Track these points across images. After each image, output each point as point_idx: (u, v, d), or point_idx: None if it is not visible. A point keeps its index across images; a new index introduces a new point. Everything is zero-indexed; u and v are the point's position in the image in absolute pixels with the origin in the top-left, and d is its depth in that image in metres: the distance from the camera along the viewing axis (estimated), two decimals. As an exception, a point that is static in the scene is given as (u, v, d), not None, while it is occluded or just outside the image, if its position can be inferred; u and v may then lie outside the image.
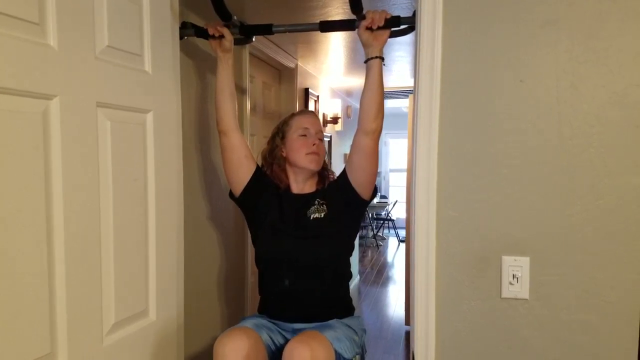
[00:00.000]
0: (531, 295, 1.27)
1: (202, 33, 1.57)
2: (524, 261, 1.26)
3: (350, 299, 1.73)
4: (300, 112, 1.77)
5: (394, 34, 1.50)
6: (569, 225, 1.23)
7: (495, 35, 1.25)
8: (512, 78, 1.25)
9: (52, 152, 1.04)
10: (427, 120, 1.29)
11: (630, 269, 1.21)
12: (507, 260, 1.27)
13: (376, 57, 1.49)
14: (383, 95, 1.53)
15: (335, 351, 1.41)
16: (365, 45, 1.50)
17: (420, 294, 1.32)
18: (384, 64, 1.53)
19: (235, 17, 1.57)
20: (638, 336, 1.22)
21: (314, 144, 1.66)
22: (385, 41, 1.49)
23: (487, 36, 1.26)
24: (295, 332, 1.55)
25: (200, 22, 1.65)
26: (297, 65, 2.99)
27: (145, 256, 1.34)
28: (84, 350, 1.12)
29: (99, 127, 1.16)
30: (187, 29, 1.56)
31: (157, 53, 1.37)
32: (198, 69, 1.74)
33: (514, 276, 1.27)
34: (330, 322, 1.58)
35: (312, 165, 1.66)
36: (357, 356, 1.55)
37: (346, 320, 1.62)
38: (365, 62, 1.51)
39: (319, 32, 1.58)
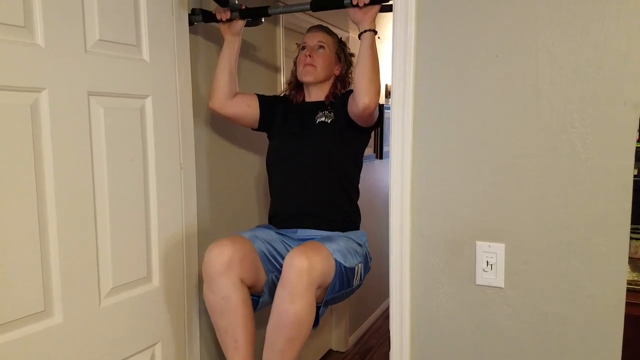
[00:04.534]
0: (507, 284, 1.20)
1: (210, 18, 1.65)
2: (499, 247, 1.20)
3: (357, 217, 1.81)
4: (307, 30, 1.86)
5: (385, 9, 1.45)
6: (546, 211, 1.15)
7: (468, 7, 1.17)
8: (488, 52, 1.17)
9: (42, 136, 1.19)
10: (400, 101, 1.25)
11: (612, 260, 1.10)
12: (481, 246, 1.22)
13: (367, 31, 1.47)
14: (376, 69, 1.51)
15: (337, 261, 1.49)
16: (354, 22, 1.48)
17: (394, 276, 1.31)
18: (377, 37, 1.50)
19: (237, 2, 1.63)
20: (622, 335, 1.11)
21: (307, 56, 1.73)
22: (375, 15, 1.47)
23: (461, 9, 1.18)
24: (300, 242, 1.65)
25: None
26: (348, 37, 2.97)
27: (147, 228, 1.48)
28: (80, 310, 1.29)
29: (91, 114, 1.30)
30: (196, 15, 1.65)
31: (156, 42, 1.48)
32: (212, 53, 1.82)
33: (487, 263, 1.21)
34: (332, 235, 1.65)
35: (305, 77, 1.75)
36: (359, 264, 1.62)
37: (348, 233, 1.69)
38: (359, 37, 1.50)
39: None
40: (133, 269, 1.45)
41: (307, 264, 1.37)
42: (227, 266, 1.44)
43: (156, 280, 1.52)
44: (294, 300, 1.38)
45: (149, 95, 1.46)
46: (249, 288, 1.53)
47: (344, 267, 1.51)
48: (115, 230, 1.37)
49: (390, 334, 1.34)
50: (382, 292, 3.39)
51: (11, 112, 1.13)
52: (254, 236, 1.60)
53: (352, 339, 3.03)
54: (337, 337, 2.94)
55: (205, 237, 1.76)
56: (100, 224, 1.34)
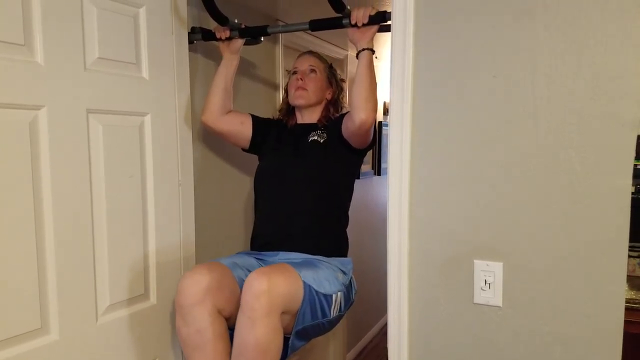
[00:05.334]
0: (505, 303, 1.20)
1: (210, 37, 1.67)
2: (497, 266, 1.20)
3: (344, 244, 1.74)
4: (298, 56, 1.85)
5: (383, 29, 1.47)
6: (544, 230, 1.15)
7: (467, 29, 1.19)
8: (485, 73, 1.18)
9: (40, 153, 1.19)
10: (398, 121, 1.26)
11: (610, 280, 1.10)
12: (479, 265, 1.22)
13: (365, 49, 1.48)
14: (373, 87, 1.52)
15: (306, 284, 1.39)
16: (352, 41, 1.50)
17: (392, 293, 1.31)
18: (375, 57, 1.51)
19: (236, 20, 1.64)
20: (621, 354, 1.10)
21: (299, 79, 1.74)
22: (373, 35, 1.48)
23: (459, 30, 1.20)
24: None
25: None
26: (347, 56, 2.99)
27: (145, 246, 1.48)
28: (76, 328, 1.28)
29: (90, 131, 1.30)
30: (195, 34, 1.66)
31: (156, 60, 1.49)
32: (211, 71, 1.83)
33: (485, 281, 1.21)
34: (314, 259, 1.58)
35: (297, 100, 1.76)
36: (339, 293, 1.51)
37: (331, 259, 1.61)
38: (357, 55, 1.51)
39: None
40: (130, 286, 1.44)
41: (266, 286, 1.27)
42: (202, 296, 1.35)
43: (153, 297, 1.51)
44: (254, 325, 1.27)
45: (148, 113, 1.47)
46: (227, 320, 1.43)
47: (317, 292, 1.41)
48: (112, 247, 1.37)
49: (388, 351, 1.33)
50: (380, 308, 3.37)
51: (10, 130, 1.13)
52: (233, 263, 1.51)
53: (350, 355, 3.01)
54: (334, 354, 2.91)
55: (202, 254, 1.76)
56: (98, 240, 1.34)
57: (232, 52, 1.69)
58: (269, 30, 1.61)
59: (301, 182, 1.66)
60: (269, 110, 2.20)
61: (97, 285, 1.34)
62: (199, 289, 1.35)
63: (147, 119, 1.47)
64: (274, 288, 1.29)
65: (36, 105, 1.18)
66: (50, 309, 1.23)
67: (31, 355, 1.18)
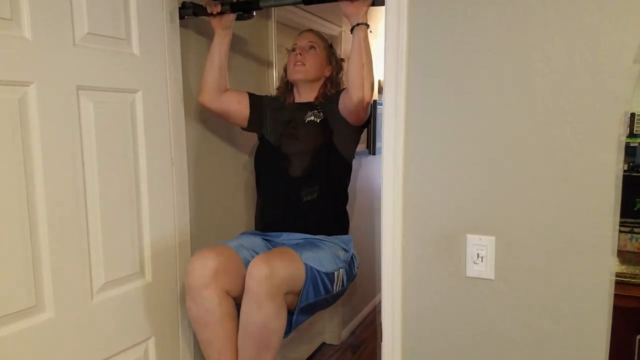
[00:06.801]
0: (497, 276, 1.21)
1: (201, 11, 1.64)
2: (490, 240, 1.21)
3: (345, 221, 1.78)
4: (298, 34, 1.84)
5: (377, 2, 1.45)
6: (538, 206, 1.15)
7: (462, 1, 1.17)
8: (480, 46, 1.17)
9: (31, 131, 1.18)
10: (392, 96, 1.25)
11: (602, 256, 1.11)
12: (472, 239, 1.22)
13: (359, 25, 1.47)
14: (369, 64, 1.50)
15: (307, 265, 1.46)
16: (346, 15, 1.48)
17: (386, 269, 1.32)
18: (370, 31, 1.49)
19: (227, -6, 1.62)
20: (610, 327, 1.12)
21: (298, 54, 1.74)
22: (367, 9, 1.46)
23: (453, 3, 1.18)
24: (282, 246, 1.62)
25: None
26: (341, 33, 2.96)
27: (139, 223, 1.47)
28: (72, 306, 1.28)
29: (80, 108, 1.29)
30: (186, 9, 1.63)
31: (146, 36, 1.46)
32: (203, 47, 1.81)
33: (478, 255, 1.22)
34: (316, 239, 1.63)
35: (295, 75, 1.75)
36: (340, 270, 1.59)
37: (333, 238, 1.67)
38: (351, 31, 1.49)
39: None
40: (125, 264, 1.44)
41: (266, 272, 1.34)
42: (210, 279, 1.41)
43: (149, 275, 1.52)
44: (259, 308, 1.36)
45: (139, 90, 1.45)
46: (235, 299, 1.49)
47: (318, 271, 1.48)
48: (106, 225, 1.37)
49: (382, 326, 1.35)
50: (374, 286, 3.40)
51: (-1, 107, 1.12)
52: (239, 245, 1.57)
53: (345, 332, 3.04)
54: (330, 330, 2.95)
55: (196, 233, 1.76)
56: (92, 218, 1.33)
57: (224, 27, 1.67)
58: (261, 4, 1.58)
59: (299, 164, 1.67)
60: (262, 88, 2.18)
61: (92, 263, 1.34)
62: (206, 272, 1.41)
63: (139, 95, 1.45)
64: (274, 273, 1.35)
65: (25, 82, 1.16)
66: (45, 287, 1.22)
67: (27, 333, 1.19)
